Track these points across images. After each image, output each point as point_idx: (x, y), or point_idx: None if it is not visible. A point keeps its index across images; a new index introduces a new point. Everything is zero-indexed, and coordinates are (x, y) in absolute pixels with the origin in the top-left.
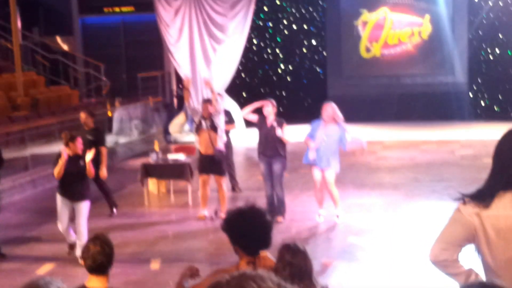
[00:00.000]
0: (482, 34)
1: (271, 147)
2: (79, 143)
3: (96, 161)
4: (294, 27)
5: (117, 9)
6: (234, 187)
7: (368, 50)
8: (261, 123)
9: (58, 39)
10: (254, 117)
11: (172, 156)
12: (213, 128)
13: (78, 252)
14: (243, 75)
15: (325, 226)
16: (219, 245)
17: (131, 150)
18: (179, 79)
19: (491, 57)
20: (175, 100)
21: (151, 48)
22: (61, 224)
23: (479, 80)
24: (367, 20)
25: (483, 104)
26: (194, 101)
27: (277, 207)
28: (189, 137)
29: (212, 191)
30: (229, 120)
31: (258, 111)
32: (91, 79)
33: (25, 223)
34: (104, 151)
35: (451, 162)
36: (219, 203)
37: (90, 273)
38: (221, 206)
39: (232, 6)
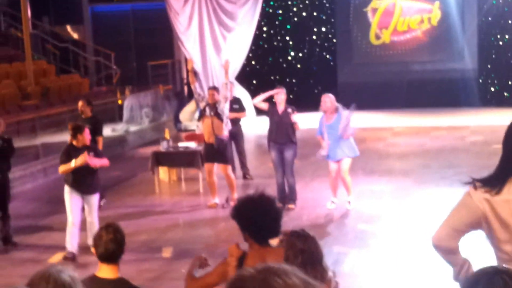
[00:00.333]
0: (491, 20)
1: (283, 134)
2: (86, 134)
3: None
4: (304, 14)
5: None
6: (245, 174)
7: (377, 37)
8: (272, 111)
9: (68, 28)
10: (265, 105)
11: (182, 144)
12: (217, 115)
13: (90, 241)
14: (253, 62)
15: (336, 213)
16: (230, 233)
17: (142, 138)
18: (188, 72)
19: (500, 43)
20: (185, 88)
21: (161, 36)
22: (73, 217)
23: (489, 66)
24: (377, 7)
25: (492, 90)
26: (204, 88)
27: (288, 194)
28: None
29: (222, 179)
30: (240, 108)
31: (268, 99)
32: (101, 67)
33: (36, 212)
34: (100, 140)
35: (461, 148)
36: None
37: (101, 261)
38: (231, 194)
39: None
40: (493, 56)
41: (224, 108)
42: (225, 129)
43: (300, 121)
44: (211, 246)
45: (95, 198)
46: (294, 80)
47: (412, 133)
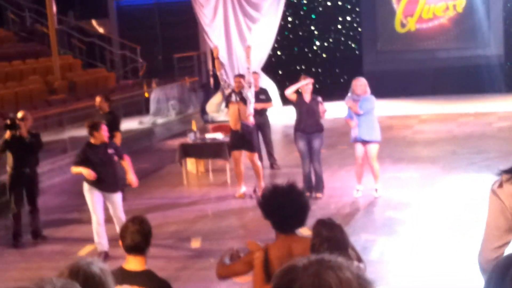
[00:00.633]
0: None
1: (311, 124)
2: (103, 131)
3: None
4: (329, 3)
5: None
6: (273, 164)
7: (403, 25)
8: (299, 101)
9: (94, 22)
10: (293, 96)
11: (209, 136)
12: (243, 100)
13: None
14: (278, 53)
15: (363, 201)
16: (258, 223)
17: (169, 131)
18: (214, 59)
19: None
20: (211, 80)
21: (186, 28)
22: (97, 216)
23: None
24: None
25: None
26: (230, 79)
27: (315, 183)
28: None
29: (249, 168)
30: (266, 98)
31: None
32: (128, 61)
33: (65, 205)
34: (118, 136)
35: (489, 135)
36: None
37: (128, 253)
38: (258, 183)
39: None
40: None
41: (249, 94)
42: (250, 116)
43: (328, 109)
44: (239, 237)
45: (117, 197)
46: (319, 70)
47: (439, 120)
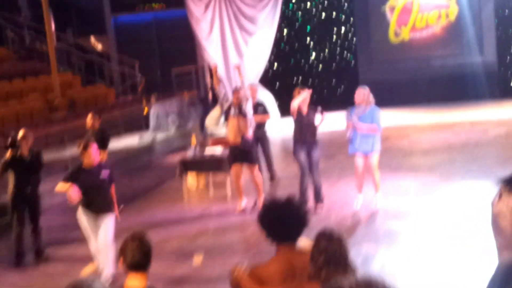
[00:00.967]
0: (508, 13)
1: (310, 134)
2: (93, 151)
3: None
4: (323, 15)
5: (148, 6)
6: (272, 177)
7: (397, 34)
8: (298, 112)
9: (92, 39)
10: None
11: (209, 150)
12: (242, 114)
13: (105, 272)
14: (275, 65)
15: (363, 211)
16: (259, 237)
17: (169, 146)
18: (213, 75)
19: None
20: (210, 93)
21: (183, 43)
22: (93, 242)
23: (508, 58)
24: (395, 5)
25: None
26: (228, 93)
27: (315, 195)
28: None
29: (249, 182)
30: (264, 111)
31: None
32: (126, 76)
33: (67, 224)
34: (104, 154)
35: (485, 142)
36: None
37: (130, 270)
38: (258, 196)
39: None
40: None
41: (247, 108)
42: (250, 129)
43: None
44: (241, 251)
45: (108, 218)
46: (316, 81)
47: (435, 129)
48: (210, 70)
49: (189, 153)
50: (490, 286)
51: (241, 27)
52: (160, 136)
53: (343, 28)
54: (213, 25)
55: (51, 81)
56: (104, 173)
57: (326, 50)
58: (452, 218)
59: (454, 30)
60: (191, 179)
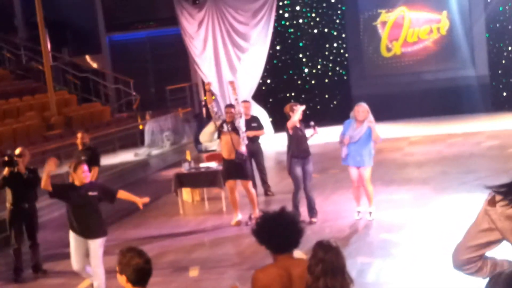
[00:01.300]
0: (499, 26)
1: (304, 148)
2: (82, 172)
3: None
4: (315, 31)
5: (142, 25)
6: (267, 191)
7: (388, 49)
8: (295, 127)
9: (87, 58)
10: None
11: (204, 165)
12: (235, 130)
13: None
14: (268, 81)
15: (358, 224)
16: (255, 249)
17: (164, 161)
18: (206, 92)
19: (510, 48)
20: (204, 110)
21: (177, 60)
22: (76, 264)
23: (499, 72)
24: (386, 20)
25: (505, 94)
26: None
27: (309, 208)
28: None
29: (244, 196)
30: (258, 126)
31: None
32: (121, 94)
33: (64, 240)
34: (95, 171)
35: (478, 154)
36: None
37: (132, 284)
38: (253, 210)
39: (253, 15)
40: (503, 61)
41: (240, 123)
42: (243, 145)
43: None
44: (236, 264)
45: (95, 244)
46: (309, 96)
47: (428, 142)
48: (204, 87)
49: (184, 169)
50: None
51: (234, 44)
52: (155, 152)
53: (335, 44)
54: (206, 42)
55: (47, 100)
56: (92, 193)
57: (319, 66)
58: (446, 230)
59: (446, 44)
60: (186, 194)
